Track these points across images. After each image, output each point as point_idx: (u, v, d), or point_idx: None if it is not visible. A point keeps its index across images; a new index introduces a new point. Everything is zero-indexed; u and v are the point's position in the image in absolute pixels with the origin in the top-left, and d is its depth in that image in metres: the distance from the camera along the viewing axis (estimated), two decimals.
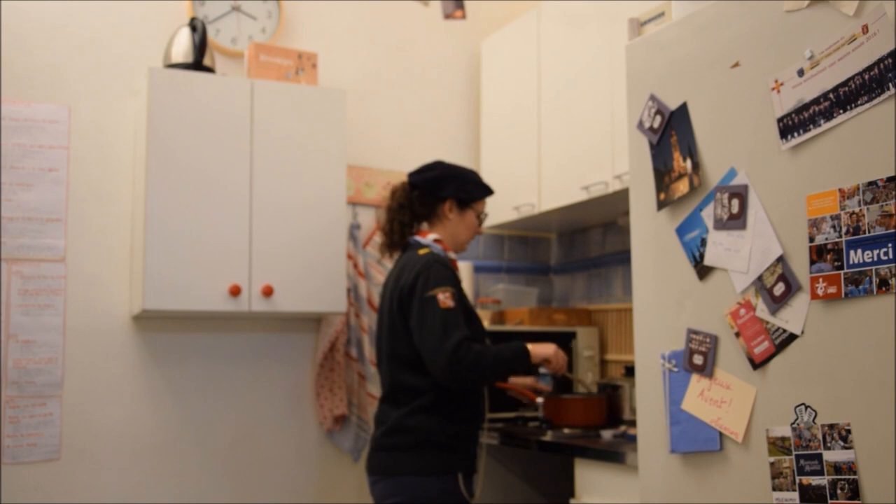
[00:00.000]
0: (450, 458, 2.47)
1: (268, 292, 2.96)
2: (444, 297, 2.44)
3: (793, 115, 1.61)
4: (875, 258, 1.45)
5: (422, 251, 2.60)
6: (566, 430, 2.83)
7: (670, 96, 1.91)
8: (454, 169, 2.73)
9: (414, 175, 2.74)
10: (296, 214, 3.04)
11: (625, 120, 2.07)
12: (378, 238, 2.81)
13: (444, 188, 2.68)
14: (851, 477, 1.48)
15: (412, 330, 2.49)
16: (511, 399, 3.11)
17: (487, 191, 2.75)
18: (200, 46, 3.02)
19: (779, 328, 1.62)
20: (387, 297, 2.64)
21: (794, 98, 1.60)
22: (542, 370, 3.02)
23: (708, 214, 1.80)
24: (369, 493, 2.60)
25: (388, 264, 3.48)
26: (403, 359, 2.54)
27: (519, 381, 2.95)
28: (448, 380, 2.42)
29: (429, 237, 2.66)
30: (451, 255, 2.67)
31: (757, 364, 1.67)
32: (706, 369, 1.78)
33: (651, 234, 1.96)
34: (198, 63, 3.02)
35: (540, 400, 2.92)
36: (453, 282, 2.52)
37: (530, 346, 2.55)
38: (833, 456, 1.51)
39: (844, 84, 1.51)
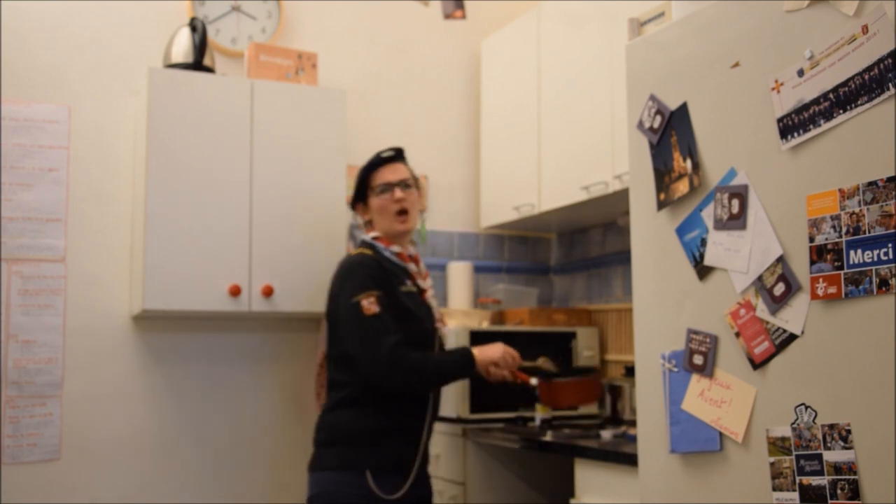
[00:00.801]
0: (357, 453, 2.44)
1: (268, 292, 2.96)
2: (368, 304, 2.43)
3: (793, 115, 1.61)
4: (875, 258, 1.45)
5: (353, 252, 2.65)
6: (567, 431, 2.83)
7: (670, 96, 1.91)
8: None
9: None
10: (296, 214, 3.04)
11: (625, 120, 2.07)
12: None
13: (352, 197, 2.75)
14: (851, 477, 1.48)
15: (341, 336, 2.51)
16: (509, 396, 3.10)
17: (372, 165, 2.68)
18: (200, 46, 3.02)
19: (779, 328, 1.62)
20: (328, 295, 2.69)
21: (794, 98, 1.60)
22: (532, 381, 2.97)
23: (708, 214, 1.80)
24: None
25: None
26: (337, 356, 2.56)
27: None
28: (389, 387, 2.44)
29: (370, 234, 2.68)
30: (396, 248, 2.63)
31: (757, 364, 1.67)
32: (706, 369, 1.78)
33: (651, 234, 1.96)
34: (198, 63, 3.02)
35: (534, 381, 2.79)
36: (376, 283, 2.49)
37: (476, 352, 2.52)
38: (833, 456, 1.51)
39: (844, 84, 1.51)
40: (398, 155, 2.71)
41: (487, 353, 2.53)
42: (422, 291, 2.63)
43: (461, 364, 2.51)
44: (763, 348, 1.66)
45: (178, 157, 2.89)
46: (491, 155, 3.66)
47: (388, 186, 2.63)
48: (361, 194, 2.71)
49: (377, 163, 2.68)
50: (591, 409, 3.30)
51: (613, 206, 3.13)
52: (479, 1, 3.81)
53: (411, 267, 2.63)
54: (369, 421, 2.47)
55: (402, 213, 2.62)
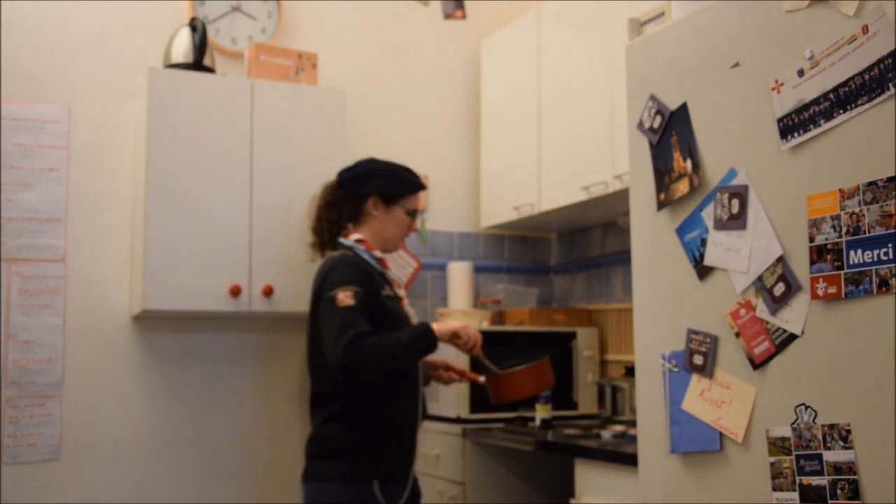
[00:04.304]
0: (361, 464, 2.40)
1: (268, 292, 2.96)
2: (344, 296, 2.35)
3: (793, 115, 1.61)
4: (875, 258, 1.45)
5: (337, 252, 2.54)
6: (567, 431, 2.83)
7: (670, 96, 1.91)
8: (381, 165, 2.67)
9: (341, 172, 2.70)
10: (296, 214, 3.04)
11: (625, 120, 2.07)
12: (308, 238, 2.76)
13: (366, 184, 2.61)
14: (851, 477, 1.48)
15: (321, 338, 2.43)
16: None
17: (415, 186, 2.66)
18: (200, 46, 3.02)
19: (779, 328, 1.62)
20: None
21: (794, 98, 1.60)
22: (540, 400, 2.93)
23: (708, 214, 1.80)
24: None
25: None
26: (316, 366, 2.49)
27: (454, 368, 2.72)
28: (345, 376, 2.31)
29: (351, 238, 2.59)
30: (378, 253, 2.58)
31: (757, 364, 1.67)
32: (706, 369, 1.78)
33: (651, 234, 1.96)
34: (198, 63, 3.02)
35: (482, 379, 2.62)
36: (359, 281, 2.42)
37: (435, 325, 2.42)
38: (833, 456, 1.51)
39: (844, 84, 1.51)
40: None
41: (447, 325, 2.44)
42: (399, 298, 2.58)
43: (419, 338, 2.39)
44: (763, 348, 1.66)
45: (178, 157, 2.89)
46: (491, 155, 3.66)
47: (415, 214, 2.69)
48: (391, 199, 2.64)
49: (419, 187, 2.69)
50: (592, 409, 3.30)
51: (613, 206, 3.13)
52: (479, 1, 3.81)
53: (390, 273, 2.60)
54: (367, 430, 2.41)
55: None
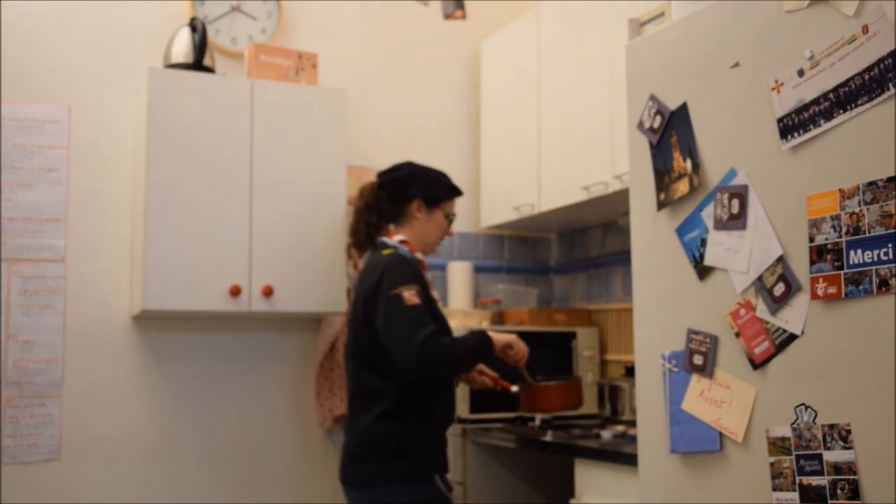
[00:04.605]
0: (423, 461, 2.44)
1: (268, 292, 2.96)
2: (410, 294, 2.40)
3: (793, 115, 1.61)
4: (875, 258, 1.45)
5: (385, 251, 2.56)
6: (566, 431, 2.83)
7: (670, 96, 1.91)
8: (423, 169, 2.71)
9: (382, 174, 2.72)
10: (296, 214, 3.04)
11: (625, 120, 2.07)
12: (347, 239, 2.77)
13: (411, 187, 2.65)
14: (851, 477, 1.48)
15: (379, 330, 2.45)
16: (504, 398, 3.10)
17: (456, 191, 2.72)
18: (200, 46, 3.02)
19: (779, 328, 1.62)
20: (355, 299, 2.59)
21: (794, 98, 1.60)
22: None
23: (708, 214, 1.80)
24: None
25: None
26: (367, 359, 2.50)
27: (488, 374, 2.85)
28: (419, 374, 2.41)
29: (395, 238, 2.62)
30: (419, 255, 2.63)
31: (757, 364, 1.67)
32: (706, 369, 1.78)
33: (651, 234, 1.96)
34: (198, 63, 3.02)
35: (515, 388, 2.77)
36: (419, 280, 2.49)
37: (491, 334, 2.53)
38: (833, 456, 1.51)
39: (844, 84, 1.51)
40: None
41: (502, 336, 2.57)
42: (435, 300, 2.63)
43: (482, 345, 2.50)
44: (763, 348, 1.66)
45: (178, 157, 2.89)
46: (491, 155, 3.66)
47: (453, 218, 2.76)
48: (433, 203, 2.68)
49: (459, 193, 2.75)
50: (592, 409, 3.30)
51: (613, 206, 3.13)
52: (479, 1, 3.81)
53: (427, 275, 2.64)
54: (421, 427, 2.46)
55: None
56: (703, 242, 1.80)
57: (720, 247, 1.76)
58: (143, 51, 3.19)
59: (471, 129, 3.82)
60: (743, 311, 1.70)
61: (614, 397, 3.04)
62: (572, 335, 3.40)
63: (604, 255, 3.59)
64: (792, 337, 1.60)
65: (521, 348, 2.58)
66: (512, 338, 2.57)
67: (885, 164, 1.44)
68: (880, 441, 1.44)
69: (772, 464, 1.62)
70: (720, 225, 1.76)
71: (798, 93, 1.59)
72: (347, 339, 2.64)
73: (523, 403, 2.75)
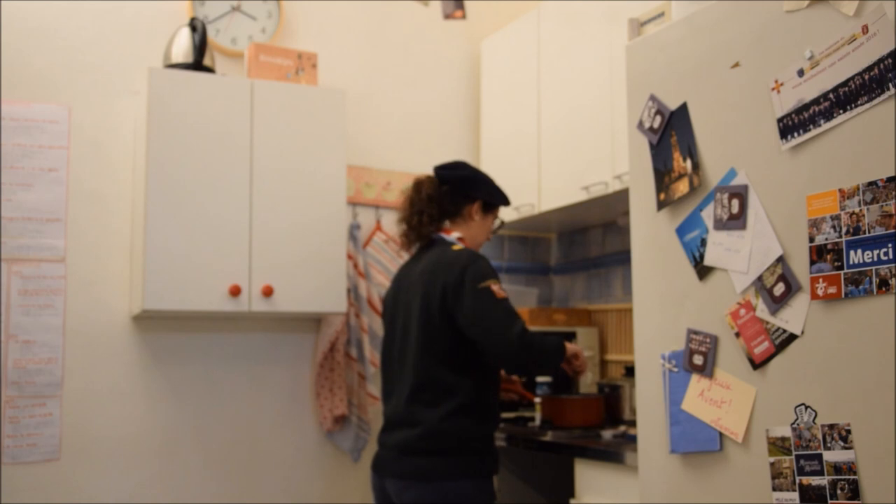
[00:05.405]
0: (486, 460, 2.46)
1: (268, 292, 2.96)
2: (498, 288, 2.45)
3: (793, 115, 1.61)
4: (875, 258, 1.45)
5: (455, 248, 2.57)
6: (564, 432, 2.83)
7: (670, 96, 1.91)
8: (481, 172, 2.73)
9: (443, 170, 2.70)
10: (296, 214, 3.04)
11: (625, 120, 2.07)
12: (399, 229, 2.73)
13: (476, 189, 2.67)
14: (851, 477, 1.48)
15: (464, 324, 2.42)
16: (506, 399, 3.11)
17: (507, 200, 2.76)
18: (200, 46, 3.02)
19: (779, 328, 1.62)
20: (416, 292, 2.54)
21: (794, 98, 1.60)
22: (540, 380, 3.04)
23: (708, 214, 1.80)
24: (375, 496, 2.56)
25: (387, 262, 3.48)
26: (441, 354, 2.46)
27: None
28: (515, 367, 2.49)
29: (453, 235, 2.65)
30: None
31: (757, 364, 1.67)
32: (706, 369, 1.78)
33: (651, 234, 1.96)
34: (198, 63, 3.02)
35: (537, 400, 2.90)
36: (497, 276, 2.53)
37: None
38: (833, 456, 1.51)
39: (844, 84, 1.51)
40: None
41: (571, 346, 2.62)
42: None
43: (560, 349, 2.54)
44: (763, 348, 1.66)
45: (178, 157, 2.89)
46: (491, 155, 3.66)
47: (502, 225, 2.83)
48: (491, 207, 2.72)
49: (509, 202, 2.78)
50: None
51: (613, 206, 3.13)
52: (479, 1, 3.81)
53: None
54: (487, 426, 2.49)
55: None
56: (703, 242, 1.80)
57: (720, 247, 1.76)
58: (143, 51, 3.19)
59: (471, 129, 3.82)
60: (743, 311, 1.70)
61: (612, 397, 3.04)
62: (572, 335, 3.40)
63: (604, 255, 3.59)
64: (792, 337, 1.60)
65: (585, 360, 2.67)
66: (579, 348, 2.65)
67: (885, 164, 1.45)
68: (880, 441, 1.44)
69: (772, 464, 1.62)
70: (720, 225, 1.76)
71: (798, 93, 1.59)
72: (392, 336, 2.62)
73: (543, 413, 2.88)
